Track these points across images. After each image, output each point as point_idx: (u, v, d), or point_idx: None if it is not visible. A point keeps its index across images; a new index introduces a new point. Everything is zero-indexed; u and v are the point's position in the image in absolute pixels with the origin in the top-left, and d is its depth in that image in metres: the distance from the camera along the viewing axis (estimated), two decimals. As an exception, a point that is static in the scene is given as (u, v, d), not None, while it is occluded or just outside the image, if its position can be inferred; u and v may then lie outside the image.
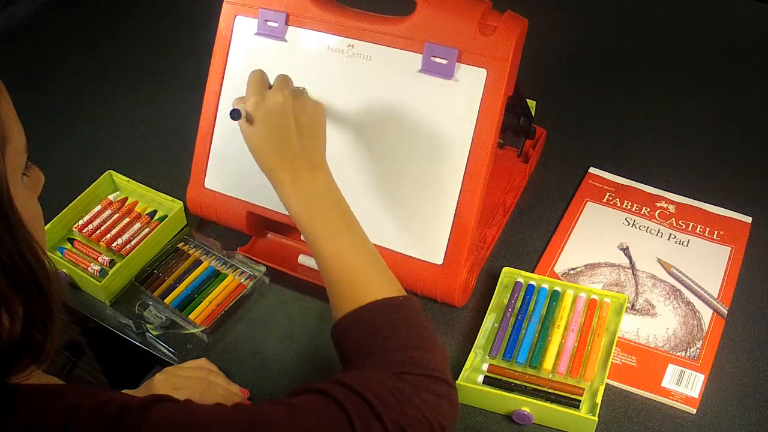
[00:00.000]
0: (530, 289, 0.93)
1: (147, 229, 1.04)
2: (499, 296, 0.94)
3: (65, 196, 1.06)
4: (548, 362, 0.86)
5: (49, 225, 1.01)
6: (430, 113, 0.88)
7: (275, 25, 0.95)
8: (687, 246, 1.00)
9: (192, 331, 0.94)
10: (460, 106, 0.87)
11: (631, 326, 0.91)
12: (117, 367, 1.24)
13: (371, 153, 0.92)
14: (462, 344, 0.91)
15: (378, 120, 0.91)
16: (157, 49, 1.40)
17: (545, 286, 0.93)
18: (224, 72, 0.99)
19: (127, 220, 1.05)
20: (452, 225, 0.88)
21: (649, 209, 1.05)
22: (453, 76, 0.86)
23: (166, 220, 1.03)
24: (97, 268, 0.99)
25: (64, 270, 0.99)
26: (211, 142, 1.00)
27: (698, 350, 0.89)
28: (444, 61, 0.87)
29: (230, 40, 0.98)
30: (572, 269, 0.98)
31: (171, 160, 1.16)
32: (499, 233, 1.03)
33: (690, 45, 1.33)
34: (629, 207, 1.05)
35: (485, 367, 0.86)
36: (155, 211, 1.07)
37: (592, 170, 1.11)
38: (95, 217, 1.06)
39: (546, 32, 1.10)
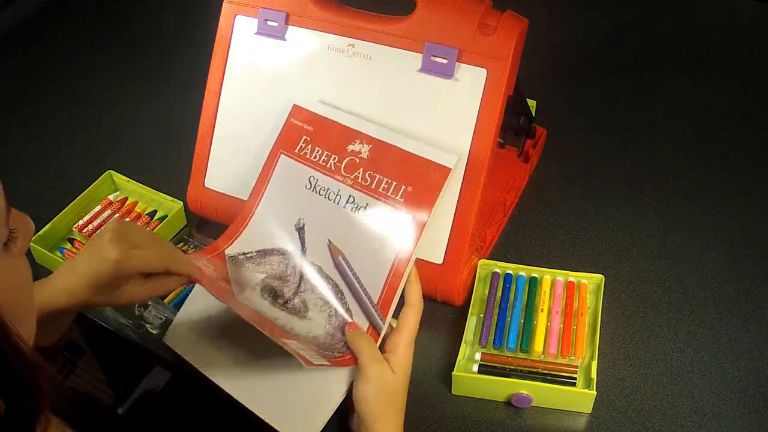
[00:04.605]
0: (508, 278, 0.95)
1: (147, 229, 1.03)
2: (479, 289, 0.95)
3: (65, 196, 1.06)
4: (538, 345, 0.87)
5: (49, 225, 1.01)
6: (430, 113, 0.88)
7: (275, 24, 0.95)
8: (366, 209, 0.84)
9: (192, 330, 0.94)
10: (460, 105, 0.87)
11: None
12: (117, 367, 1.24)
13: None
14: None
15: (378, 119, 0.91)
16: (157, 48, 1.40)
17: (522, 273, 0.95)
18: (224, 72, 0.99)
19: (127, 220, 1.05)
20: (452, 225, 0.88)
21: (337, 157, 0.87)
22: (453, 75, 0.86)
23: (166, 220, 1.03)
24: (97, 267, 0.99)
25: (64, 270, 0.99)
26: (211, 142, 1.00)
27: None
28: (444, 61, 0.87)
29: (230, 40, 0.98)
30: (243, 254, 0.88)
31: (171, 160, 1.16)
32: (499, 233, 1.03)
33: (690, 45, 1.33)
34: (318, 157, 0.87)
35: (478, 356, 0.87)
36: (155, 211, 1.07)
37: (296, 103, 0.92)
38: (95, 217, 1.06)
39: (546, 32, 1.10)
